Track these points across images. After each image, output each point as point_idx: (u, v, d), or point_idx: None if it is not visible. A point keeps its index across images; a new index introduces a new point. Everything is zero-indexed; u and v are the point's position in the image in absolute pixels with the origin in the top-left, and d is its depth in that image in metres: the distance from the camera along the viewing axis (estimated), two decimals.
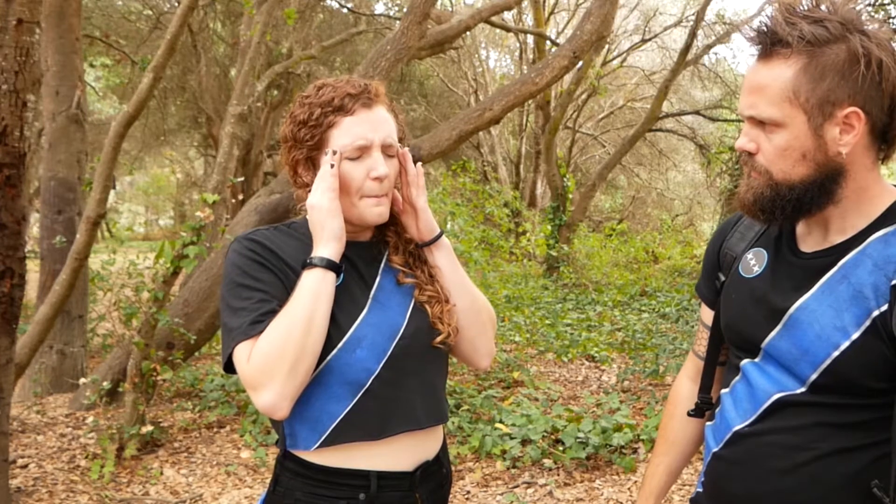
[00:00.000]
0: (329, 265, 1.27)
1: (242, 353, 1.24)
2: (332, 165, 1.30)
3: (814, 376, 1.14)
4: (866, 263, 1.12)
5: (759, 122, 1.15)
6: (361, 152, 1.32)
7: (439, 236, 1.43)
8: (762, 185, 1.16)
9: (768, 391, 1.20)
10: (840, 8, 1.11)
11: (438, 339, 1.38)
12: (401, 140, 1.41)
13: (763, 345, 1.21)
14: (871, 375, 1.10)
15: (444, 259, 1.43)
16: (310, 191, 1.32)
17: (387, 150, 1.35)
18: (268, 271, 1.30)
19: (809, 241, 1.22)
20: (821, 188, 1.14)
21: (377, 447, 1.32)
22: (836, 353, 1.11)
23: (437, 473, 1.43)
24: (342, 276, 1.33)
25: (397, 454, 1.35)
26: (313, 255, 1.28)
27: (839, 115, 1.10)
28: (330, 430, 1.30)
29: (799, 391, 1.16)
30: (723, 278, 1.36)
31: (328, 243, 1.29)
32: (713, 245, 1.41)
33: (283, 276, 1.31)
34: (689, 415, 1.42)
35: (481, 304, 1.47)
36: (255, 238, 1.33)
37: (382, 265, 1.41)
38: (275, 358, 1.21)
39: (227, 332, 1.27)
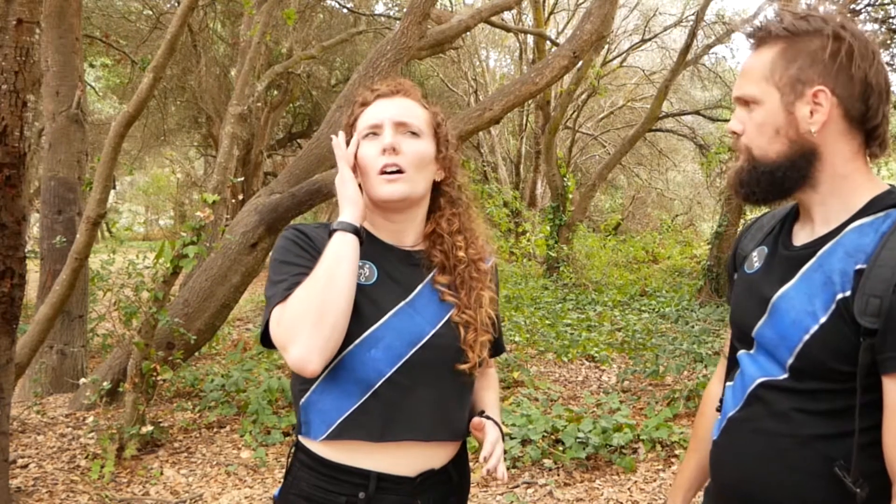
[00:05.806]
0: (348, 228, 1.31)
1: (276, 316, 1.29)
2: (335, 139, 1.40)
3: (791, 360, 1.19)
4: (839, 252, 1.18)
5: (745, 103, 1.24)
6: (372, 129, 1.40)
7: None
8: (744, 162, 1.25)
9: (754, 376, 1.26)
10: (828, 14, 1.20)
11: (462, 365, 1.39)
12: (444, 140, 1.45)
13: (753, 334, 1.27)
14: (838, 358, 1.14)
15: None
16: None
17: (401, 127, 1.40)
18: (308, 254, 1.36)
19: (802, 235, 1.28)
20: (793, 165, 1.21)
21: (380, 449, 1.34)
22: (806, 337, 1.17)
23: (444, 483, 1.43)
24: (377, 275, 1.38)
25: (399, 459, 1.35)
26: (335, 222, 1.34)
27: (808, 93, 1.18)
28: (336, 423, 1.33)
29: (781, 377, 1.22)
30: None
31: (345, 207, 1.35)
32: (733, 248, 1.50)
33: None
34: (717, 410, 1.47)
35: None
36: (301, 228, 1.42)
37: (429, 278, 1.43)
38: (299, 313, 1.25)
39: (267, 303, 1.34)
